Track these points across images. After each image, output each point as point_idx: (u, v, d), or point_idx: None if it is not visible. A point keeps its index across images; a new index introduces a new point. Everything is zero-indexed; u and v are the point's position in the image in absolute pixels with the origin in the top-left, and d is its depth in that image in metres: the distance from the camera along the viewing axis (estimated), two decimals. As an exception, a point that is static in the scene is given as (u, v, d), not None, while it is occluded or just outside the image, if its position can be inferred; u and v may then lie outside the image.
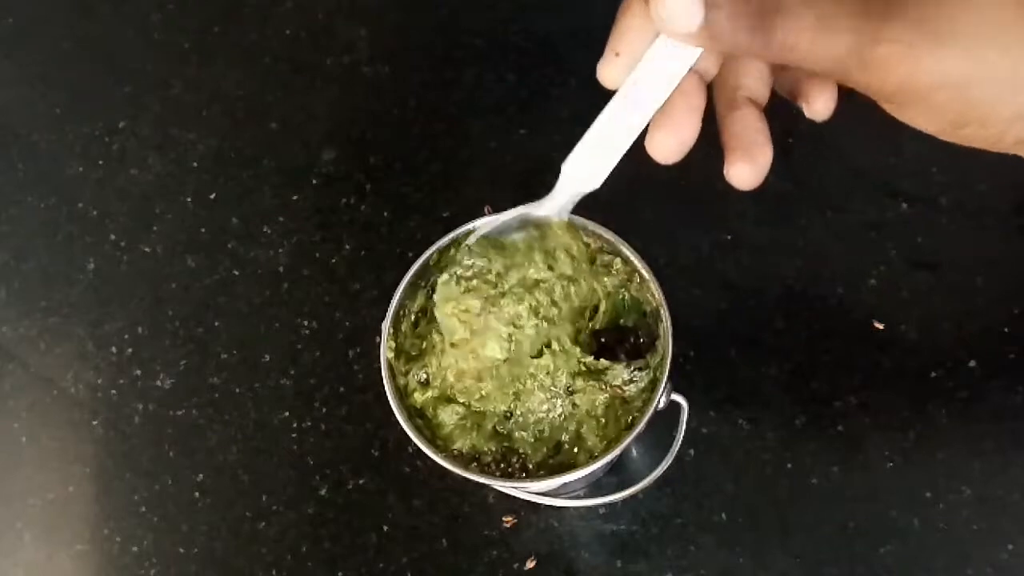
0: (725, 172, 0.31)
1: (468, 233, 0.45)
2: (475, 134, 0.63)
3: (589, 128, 0.33)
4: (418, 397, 0.43)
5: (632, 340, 0.44)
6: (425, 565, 0.53)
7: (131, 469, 0.57)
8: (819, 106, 0.32)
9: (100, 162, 0.66)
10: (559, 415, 0.43)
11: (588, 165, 0.34)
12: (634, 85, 0.31)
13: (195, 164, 0.65)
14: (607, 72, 0.32)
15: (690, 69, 0.31)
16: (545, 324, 0.42)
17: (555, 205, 0.38)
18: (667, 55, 0.30)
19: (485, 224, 0.41)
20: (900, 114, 0.27)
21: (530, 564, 0.52)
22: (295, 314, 0.59)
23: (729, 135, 0.32)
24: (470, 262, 0.42)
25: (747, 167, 0.31)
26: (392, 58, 0.66)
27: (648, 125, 0.32)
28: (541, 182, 0.59)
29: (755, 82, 0.33)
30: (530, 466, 0.42)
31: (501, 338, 0.42)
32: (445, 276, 0.43)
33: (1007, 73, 0.24)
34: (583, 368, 0.42)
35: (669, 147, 0.31)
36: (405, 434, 0.41)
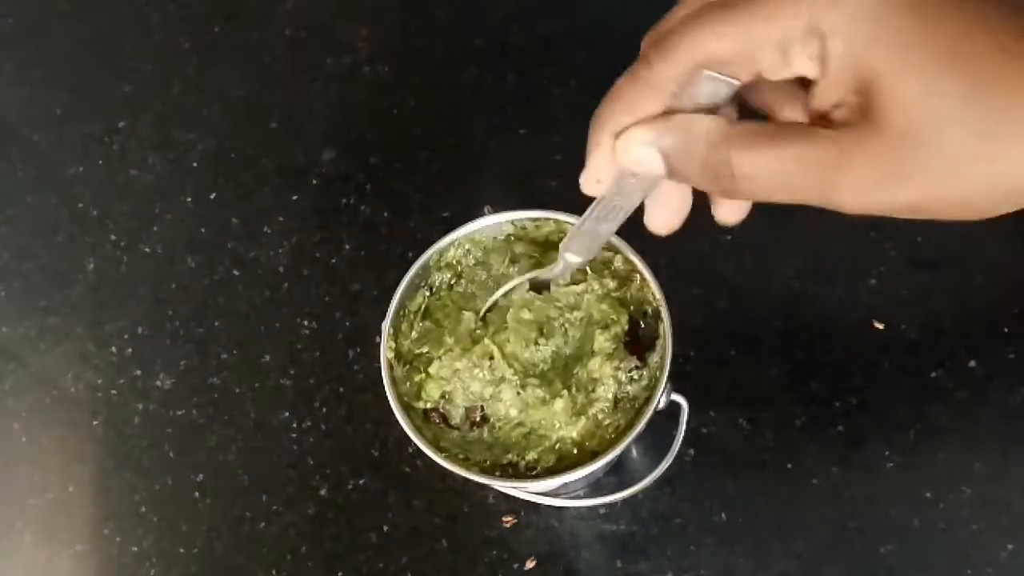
0: (713, 213, 0.33)
1: (469, 234, 0.45)
2: (475, 134, 0.63)
3: (582, 217, 0.37)
4: (433, 392, 0.43)
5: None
6: (425, 565, 0.53)
7: (131, 469, 0.57)
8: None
9: (100, 162, 0.66)
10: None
11: (581, 247, 0.39)
12: (614, 194, 0.34)
13: (195, 164, 0.65)
14: (592, 189, 0.34)
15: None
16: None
17: (555, 271, 0.43)
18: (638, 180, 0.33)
19: (500, 292, 0.44)
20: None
21: (530, 564, 0.52)
22: (295, 314, 0.59)
23: None
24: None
25: (734, 206, 0.33)
26: (392, 58, 0.66)
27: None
28: (541, 182, 0.59)
29: None
30: (529, 466, 0.42)
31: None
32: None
33: (958, 195, 0.26)
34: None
35: (666, 222, 0.34)
36: (405, 434, 0.41)
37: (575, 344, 0.44)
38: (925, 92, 0.25)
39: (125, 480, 0.56)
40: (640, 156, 0.30)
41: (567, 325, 0.44)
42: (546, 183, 0.57)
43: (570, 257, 0.40)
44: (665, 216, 0.34)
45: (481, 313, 0.44)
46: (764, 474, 0.52)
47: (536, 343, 0.43)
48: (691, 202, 0.34)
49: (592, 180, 0.33)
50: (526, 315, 0.44)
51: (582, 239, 0.38)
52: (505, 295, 0.44)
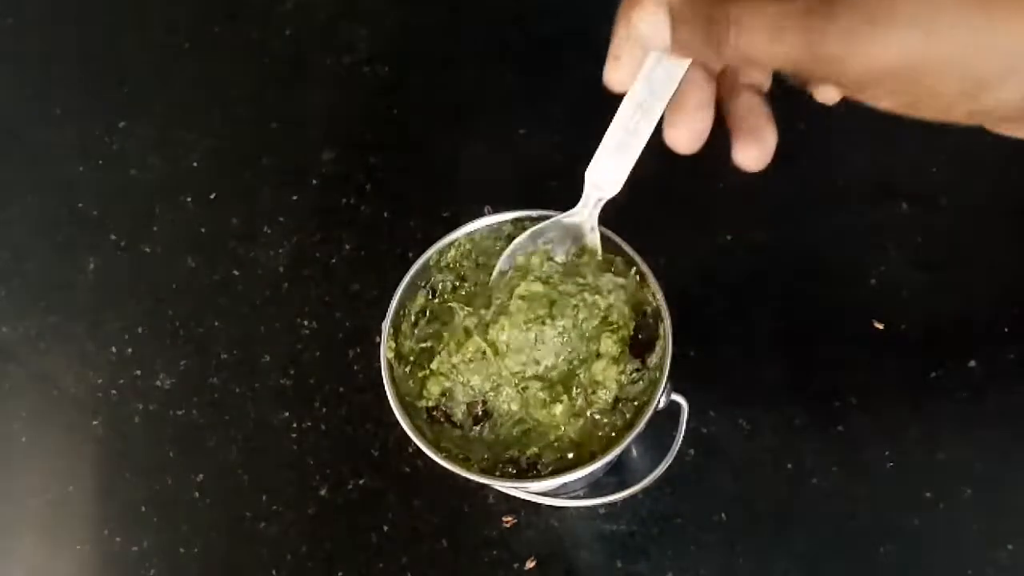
0: (733, 156, 0.32)
1: (469, 234, 0.45)
2: (475, 134, 0.63)
3: (605, 135, 0.35)
4: (434, 389, 0.43)
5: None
6: (425, 565, 0.53)
7: (131, 469, 0.57)
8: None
9: (100, 162, 0.65)
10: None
11: (607, 171, 0.37)
12: (639, 91, 0.33)
13: (195, 164, 0.65)
14: (612, 76, 0.34)
15: (686, 71, 0.33)
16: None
17: (584, 212, 0.40)
18: (660, 63, 0.33)
19: (519, 240, 0.43)
20: (860, 97, 0.28)
21: (530, 564, 0.52)
22: (295, 314, 0.59)
23: (733, 119, 0.33)
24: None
25: (754, 149, 0.32)
26: (392, 58, 0.66)
27: (663, 122, 0.34)
28: (541, 182, 0.59)
29: (755, 71, 0.34)
30: (530, 461, 0.42)
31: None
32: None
33: (946, 53, 0.25)
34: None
35: (685, 139, 0.33)
36: (405, 434, 0.41)
37: (580, 336, 0.43)
38: None
39: (125, 480, 0.56)
40: (650, 22, 0.30)
41: (581, 305, 0.42)
42: (546, 183, 0.57)
43: (593, 180, 0.37)
44: (685, 133, 0.33)
45: (495, 272, 0.43)
46: (764, 474, 0.52)
47: (543, 323, 0.42)
48: (711, 120, 0.33)
49: (613, 59, 0.33)
50: (537, 288, 0.42)
51: (608, 160, 0.36)
52: (525, 258, 0.43)
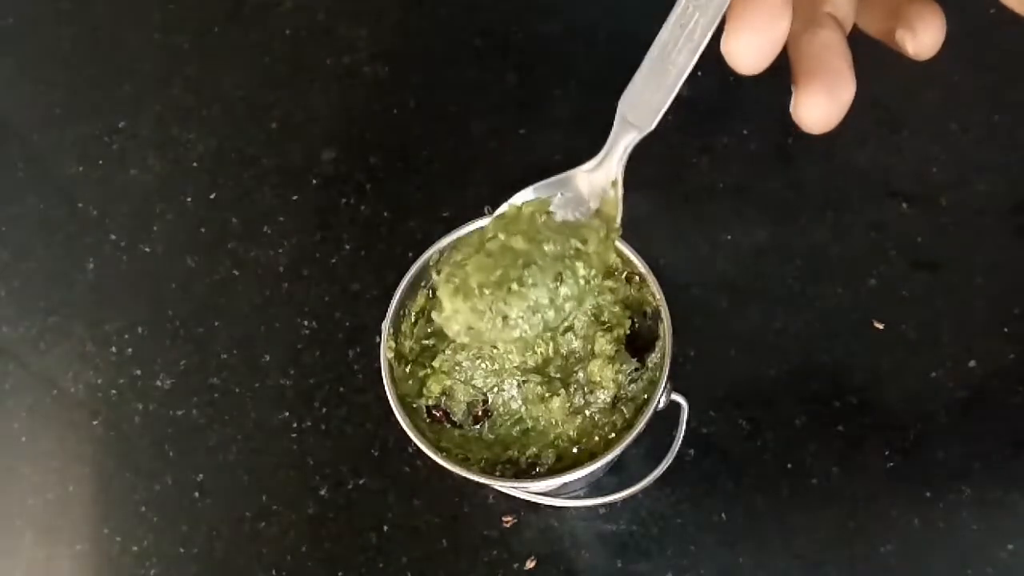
0: (793, 109, 0.26)
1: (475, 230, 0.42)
2: (475, 134, 0.63)
3: (644, 58, 0.29)
4: (434, 387, 0.43)
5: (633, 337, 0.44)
6: (425, 565, 0.53)
7: (131, 469, 0.57)
8: (926, 39, 0.26)
9: (100, 162, 0.65)
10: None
11: (643, 98, 0.29)
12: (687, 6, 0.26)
13: (195, 164, 0.65)
14: None
15: None
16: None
17: (613, 159, 0.32)
18: None
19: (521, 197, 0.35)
20: None
21: (530, 564, 0.52)
22: (295, 314, 0.59)
23: (803, 58, 0.26)
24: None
25: (823, 99, 0.25)
26: (392, 58, 0.66)
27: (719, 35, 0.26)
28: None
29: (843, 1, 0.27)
30: (530, 461, 0.42)
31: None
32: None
33: None
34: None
35: (750, 51, 0.24)
36: (405, 434, 0.41)
37: (557, 316, 0.37)
38: None
39: (125, 480, 0.56)
40: None
41: (568, 277, 0.34)
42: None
43: (627, 117, 0.30)
44: (750, 44, 0.24)
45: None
46: (764, 474, 0.52)
47: (508, 289, 0.33)
48: (784, 35, 0.24)
49: None
50: (516, 244, 0.33)
51: (647, 84, 0.29)
52: (513, 208, 0.35)
